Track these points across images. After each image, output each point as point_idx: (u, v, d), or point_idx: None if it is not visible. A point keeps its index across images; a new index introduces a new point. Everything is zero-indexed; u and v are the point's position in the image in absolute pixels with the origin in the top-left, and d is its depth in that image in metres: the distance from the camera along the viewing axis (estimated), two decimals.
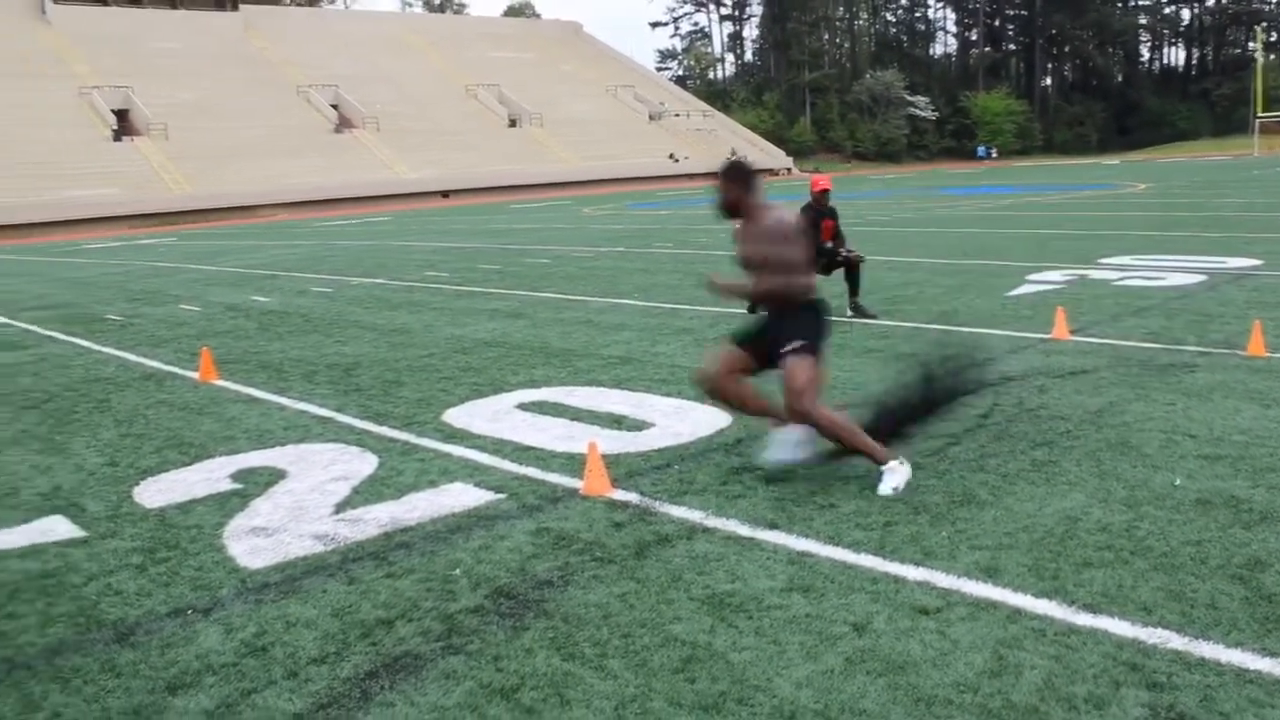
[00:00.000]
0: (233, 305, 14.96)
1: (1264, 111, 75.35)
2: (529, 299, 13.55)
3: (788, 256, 5.34)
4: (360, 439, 6.82)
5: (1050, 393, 7.01)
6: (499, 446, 6.41)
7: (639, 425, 6.73)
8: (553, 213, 39.18)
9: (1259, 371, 7.34)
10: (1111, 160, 76.89)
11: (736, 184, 5.42)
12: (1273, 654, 3.41)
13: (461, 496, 5.50)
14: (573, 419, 7.00)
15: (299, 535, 5.04)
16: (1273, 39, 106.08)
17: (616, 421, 6.86)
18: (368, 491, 5.67)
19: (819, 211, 10.55)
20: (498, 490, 5.57)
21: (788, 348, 5.26)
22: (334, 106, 68.39)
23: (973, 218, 24.41)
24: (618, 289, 14.03)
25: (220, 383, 9.07)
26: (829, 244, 10.53)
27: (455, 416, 7.27)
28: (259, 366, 9.73)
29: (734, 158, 5.65)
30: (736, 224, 5.55)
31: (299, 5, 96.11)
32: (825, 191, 10.57)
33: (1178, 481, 5.12)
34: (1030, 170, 63.28)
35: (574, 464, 5.87)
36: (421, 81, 75.76)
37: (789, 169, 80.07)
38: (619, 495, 5.35)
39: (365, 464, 6.21)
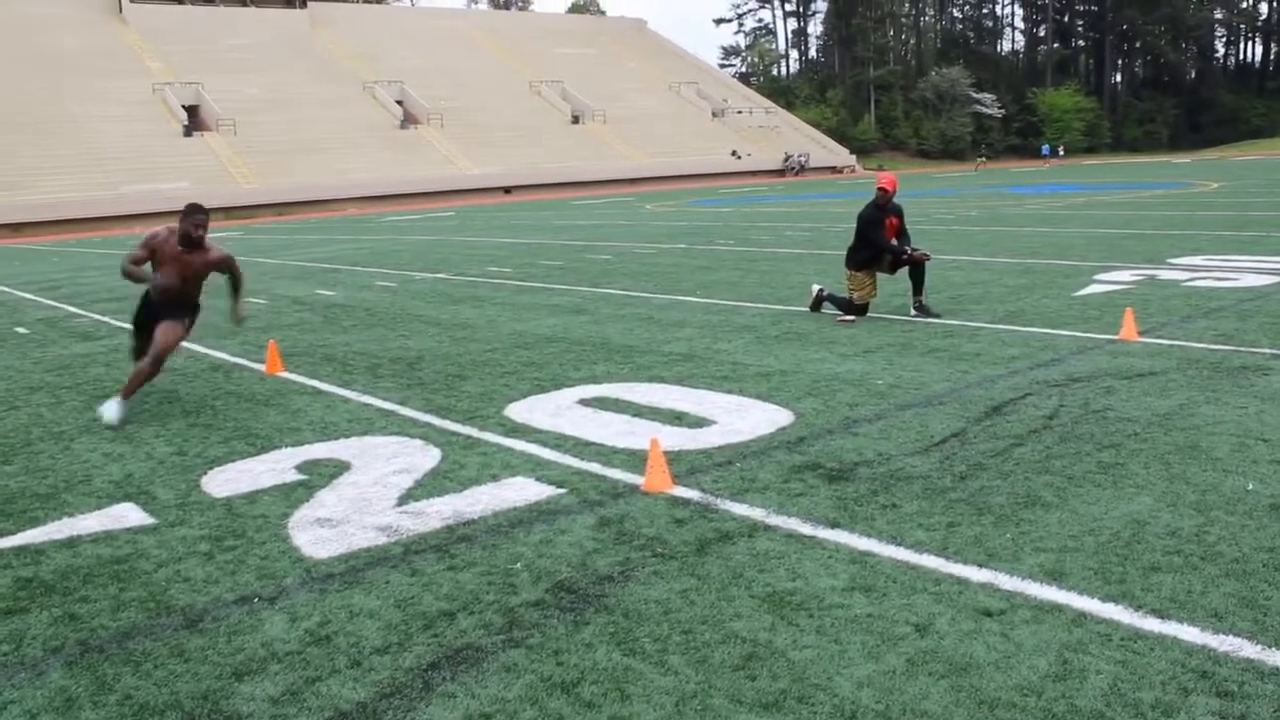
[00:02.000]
0: (298, 298, 15.18)
1: None
2: (591, 295, 13.59)
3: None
4: (424, 432, 6.88)
5: (1118, 394, 6.89)
6: (560, 441, 6.44)
7: (700, 422, 6.73)
8: (615, 209, 39.25)
9: None
10: (1183, 159, 75.36)
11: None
12: None
13: (523, 491, 5.54)
14: (634, 415, 7.01)
15: (362, 527, 5.10)
16: None
17: (678, 418, 6.86)
18: (430, 484, 5.72)
19: (883, 209, 10.47)
20: (559, 485, 5.59)
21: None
22: (399, 102, 69.09)
23: (1040, 216, 24.07)
24: (679, 286, 14.03)
25: (286, 375, 9.20)
26: (894, 241, 10.45)
27: (517, 411, 7.32)
28: (324, 359, 9.86)
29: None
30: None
31: (366, 2, 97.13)
32: (891, 189, 10.49)
33: (1251, 486, 5.01)
34: (1098, 168, 62.25)
35: (635, 460, 5.88)
36: (485, 78, 76.29)
37: (852, 167, 79.48)
38: (680, 492, 5.35)
39: (428, 457, 6.26)
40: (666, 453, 5.74)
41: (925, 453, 5.80)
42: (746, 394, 7.44)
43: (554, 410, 7.28)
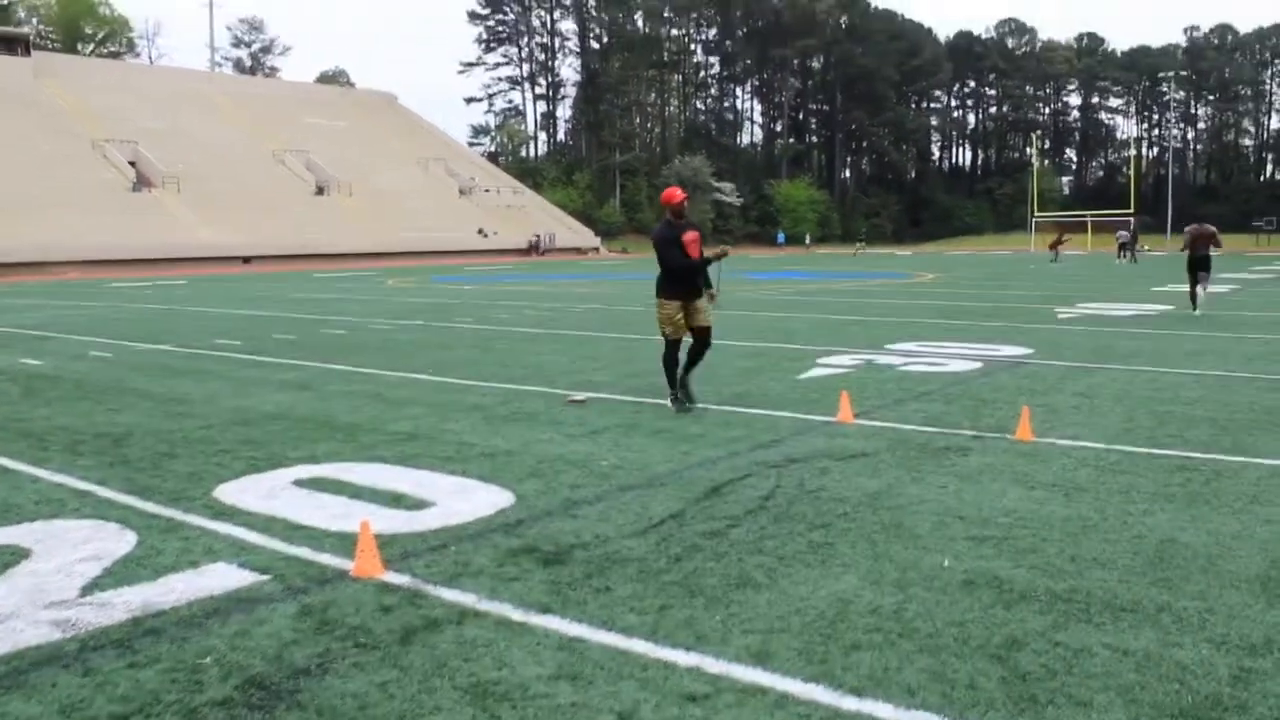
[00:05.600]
0: None
1: (1040, 211, 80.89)
2: (320, 371, 13.13)
3: None
4: (122, 515, 6.38)
5: (831, 474, 7.15)
6: (270, 524, 6.10)
7: (419, 504, 6.52)
8: (356, 283, 38.45)
9: (1025, 455, 7.68)
10: (904, 251, 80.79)
11: None
12: None
13: (224, 578, 5.18)
14: (351, 497, 6.73)
15: (34, 621, 4.63)
16: (1046, 145, 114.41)
17: (396, 500, 6.64)
18: (120, 572, 5.28)
19: (676, 225, 9.60)
20: (263, 571, 5.27)
21: None
22: (132, 164, 65.70)
23: (773, 301, 25.11)
24: (412, 363, 13.75)
25: None
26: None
27: (227, 492, 6.90)
28: (18, 435, 9.07)
29: None
30: None
31: (99, 56, 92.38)
32: (677, 202, 9.62)
33: (946, 563, 5.25)
34: (829, 258, 65.80)
35: (347, 544, 5.62)
36: (227, 143, 73.64)
37: (596, 249, 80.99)
38: (391, 577, 5.13)
39: (122, 543, 5.80)
40: (381, 536, 5.52)
41: (643, 534, 5.81)
42: (469, 475, 7.29)
43: (268, 491, 6.91)
